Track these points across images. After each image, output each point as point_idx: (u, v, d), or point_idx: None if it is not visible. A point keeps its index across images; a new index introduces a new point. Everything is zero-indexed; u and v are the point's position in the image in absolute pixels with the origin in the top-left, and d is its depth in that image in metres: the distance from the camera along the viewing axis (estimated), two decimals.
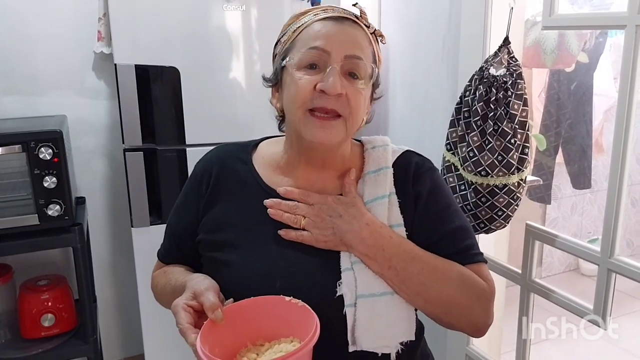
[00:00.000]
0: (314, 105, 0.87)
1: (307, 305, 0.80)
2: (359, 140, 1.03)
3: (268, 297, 0.83)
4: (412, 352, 0.95)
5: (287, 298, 0.82)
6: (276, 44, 0.96)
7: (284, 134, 1.00)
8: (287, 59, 0.90)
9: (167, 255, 1.06)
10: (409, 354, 0.91)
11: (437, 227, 0.93)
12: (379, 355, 0.87)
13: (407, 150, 1.01)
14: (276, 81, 0.94)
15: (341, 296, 0.86)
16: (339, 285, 0.86)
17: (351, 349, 0.85)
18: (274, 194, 0.95)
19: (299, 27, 0.91)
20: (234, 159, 1.01)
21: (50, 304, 1.77)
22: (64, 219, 1.67)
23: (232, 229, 0.95)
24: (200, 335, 0.75)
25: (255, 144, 1.05)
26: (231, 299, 0.85)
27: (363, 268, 0.88)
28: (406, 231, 0.92)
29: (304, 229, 0.91)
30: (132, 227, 1.83)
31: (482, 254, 0.95)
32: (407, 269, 0.87)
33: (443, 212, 0.95)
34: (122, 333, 2.34)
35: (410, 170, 0.96)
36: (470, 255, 0.93)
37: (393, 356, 0.87)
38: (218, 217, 0.97)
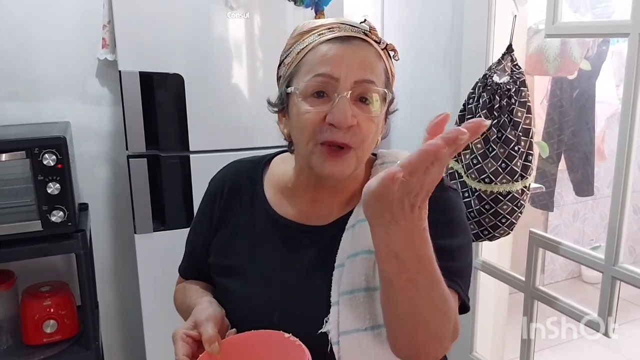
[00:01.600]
0: (324, 139, 0.81)
1: (303, 345, 0.79)
2: (374, 154, 0.97)
3: (267, 331, 0.83)
4: None
5: (287, 335, 0.81)
6: (280, 65, 0.91)
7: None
8: (293, 87, 0.84)
9: (186, 271, 1.08)
10: None
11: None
12: None
13: None
14: (282, 106, 0.89)
15: (326, 334, 0.83)
16: (326, 322, 0.84)
17: None
18: (277, 218, 0.93)
19: (303, 48, 0.84)
20: (245, 177, 0.99)
21: (52, 310, 1.76)
22: (67, 225, 1.66)
23: (236, 254, 0.95)
24: None
25: (268, 159, 1.02)
26: (234, 330, 0.85)
27: (348, 302, 0.83)
28: None
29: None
30: (135, 233, 1.83)
31: (463, 287, 0.85)
32: (425, 289, 0.73)
33: (440, 228, 0.81)
34: (124, 339, 2.33)
35: None
36: (446, 277, 0.76)
37: None
38: (225, 240, 0.97)
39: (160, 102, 1.79)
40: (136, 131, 1.76)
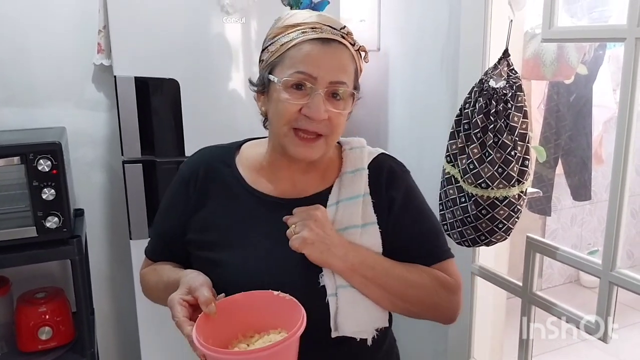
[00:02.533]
0: (299, 126, 0.94)
1: (294, 299, 0.87)
2: (338, 142, 1.09)
3: (258, 292, 0.90)
4: (384, 339, 1.06)
5: (276, 292, 0.89)
6: (263, 50, 1.00)
7: (259, 135, 1.08)
8: (275, 76, 0.95)
9: (156, 253, 1.12)
10: (381, 339, 1.02)
11: (410, 230, 1.03)
12: (357, 340, 0.96)
13: (381, 153, 1.09)
14: (263, 88, 0.99)
15: (324, 286, 0.94)
16: (321, 277, 0.94)
17: (334, 334, 0.94)
18: (257, 194, 1.02)
19: (287, 42, 0.94)
20: (218, 161, 1.07)
21: (47, 316, 1.75)
22: (62, 231, 1.66)
23: (220, 229, 1.01)
24: (195, 327, 0.82)
25: (237, 145, 1.10)
26: (223, 294, 0.90)
27: None
28: (380, 229, 1.00)
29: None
30: (130, 239, 1.82)
31: (448, 249, 1.06)
32: (387, 276, 0.96)
33: (416, 215, 1.04)
34: (120, 346, 2.32)
35: (383, 174, 1.04)
36: (439, 254, 1.04)
37: (369, 341, 0.97)
38: (206, 217, 1.03)
39: (156, 107, 1.79)
40: (131, 136, 1.75)
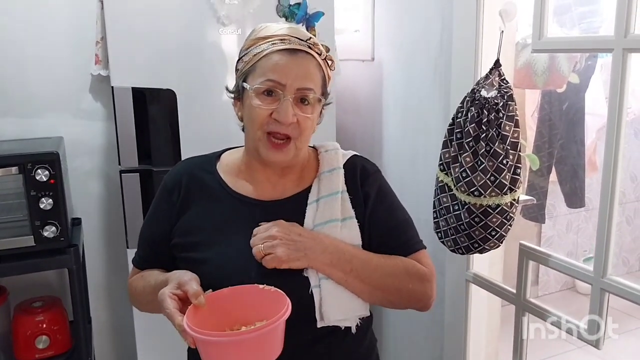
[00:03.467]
0: (270, 130, 1.01)
1: (279, 290, 0.92)
2: (313, 146, 1.18)
3: (244, 286, 0.95)
4: (366, 330, 1.12)
5: (261, 286, 0.93)
6: (238, 60, 1.09)
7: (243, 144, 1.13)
8: (248, 84, 1.03)
9: (144, 262, 1.16)
10: (364, 330, 1.09)
11: (385, 222, 1.10)
12: (342, 330, 1.03)
13: (354, 155, 1.17)
14: (238, 95, 1.08)
15: (307, 278, 1.00)
16: (306, 270, 1.00)
17: (319, 324, 1.00)
18: (238, 196, 1.09)
19: (258, 52, 1.02)
20: (200, 169, 1.13)
21: (44, 325, 1.76)
22: (59, 241, 1.67)
23: (204, 231, 1.07)
24: (186, 316, 0.86)
25: (217, 155, 1.18)
26: (210, 290, 0.94)
27: None
28: (357, 222, 1.07)
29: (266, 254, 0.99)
30: (127, 248, 1.83)
31: (421, 241, 1.13)
32: (365, 268, 1.03)
33: (389, 209, 1.12)
34: (117, 355, 2.32)
35: (357, 172, 1.12)
36: (412, 245, 1.10)
37: (353, 329, 1.04)
38: (190, 221, 1.09)
39: (153, 117, 1.81)
40: (129, 146, 1.77)
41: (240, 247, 1.02)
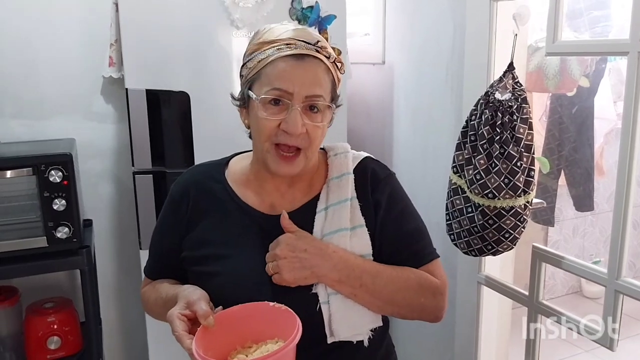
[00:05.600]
0: (278, 141, 0.96)
1: (290, 309, 0.90)
2: (323, 148, 1.12)
3: (254, 303, 0.93)
4: (381, 340, 1.08)
5: (271, 304, 0.92)
6: (243, 65, 1.02)
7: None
8: (253, 93, 0.97)
9: (154, 272, 1.15)
10: (378, 341, 1.05)
11: (396, 231, 1.05)
12: (354, 343, 0.99)
13: (366, 157, 1.11)
14: (243, 103, 1.03)
15: (316, 294, 0.97)
16: (314, 286, 0.97)
17: (329, 340, 0.97)
18: (248, 209, 1.05)
19: (263, 59, 0.96)
20: (209, 178, 1.09)
21: (56, 326, 1.76)
22: (72, 242, 1.67)
23: (214, 244, 1.04)
24: (195, 340, 0.84)
25: (226, 161, 1.13)
26: (220, 307, 0.93)
27: None
28: (368, 231, 1.03)
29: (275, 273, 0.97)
30: (140, 249, 1.84)
31: (434, 250, 1.08)
32: (375, 283, 0.99)
33: (400, 217, 1.06)
34: (127, 356, 2.32)
35: (367, 177, 1.07)
36: (425, 255, 1.06)
37: (366, 342, 1.00)
38: (200, 234, 1.06)
39: (166, 119, 1.82)
40: (142, 148, 1.77)
41: (250, 261, 1.01)
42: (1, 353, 1.79)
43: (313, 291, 0.97)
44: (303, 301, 0.96)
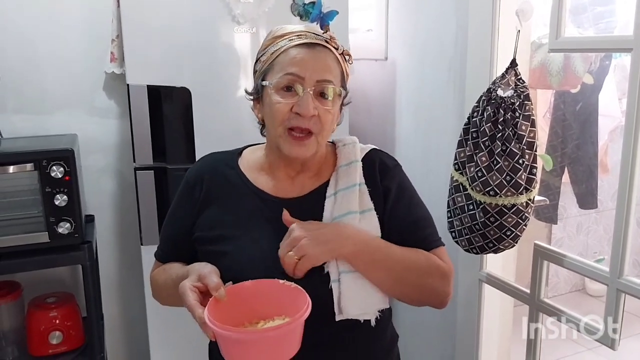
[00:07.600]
0: (291, 125, 1.01)
1: (299, 287, 0.92)
2: (331, 141, 1.17)
3: (264, 280, 0.95)
4: (386, 325, 1.12)
5: (281, 281, 0.94)
6: (256, 61, 1.09)
7: (264, 141, 1.14)
8: (267, 81, 1.03)
9: (165, 255, 1.18)
10: (384, 324, 1.09)
11: (405, 218, 1.09)
12: (361, 322, 1.02)
13: (373, 149, 1.17)
14: (257, 95, 1.08)
15: (327, 273, 1.00)
16: (326, 264, 1.00)
17: (338, 318, 1.00)
18: (260, 193, 1.09)
19: (276, 50, 1.03)
20: (222, 165, 1.14)
21: (58, 321, 1.77)
22: (73, 237, 1.68)
23: (226, 225, 1.08)
24: (207, 309, 0.87)
25: (239, 151, 1.18)
26: (230, 282, 0.95)
27: None
28: (377, 214, 1.07)
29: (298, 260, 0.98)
30: (141, 245, 1.84)
31: (440, 238, 1.13)
32: (388, 261, 1.03)
33: (410, 204, 1.12)
34: (129, 351, 2.33)
35: (375, 166, 1.12)
36: (432, 241, 1.10)
37: (373, 322, 1.03)
38: (212, 216, 1.09)
39: (168, 115, 1.82)
40: (143, 144, 1.78)
41: (261, 242, 1.04)
42: (3, 347, 1.80)
43: (325, 270, 1.00)
44: (314, 281, 0.98)
